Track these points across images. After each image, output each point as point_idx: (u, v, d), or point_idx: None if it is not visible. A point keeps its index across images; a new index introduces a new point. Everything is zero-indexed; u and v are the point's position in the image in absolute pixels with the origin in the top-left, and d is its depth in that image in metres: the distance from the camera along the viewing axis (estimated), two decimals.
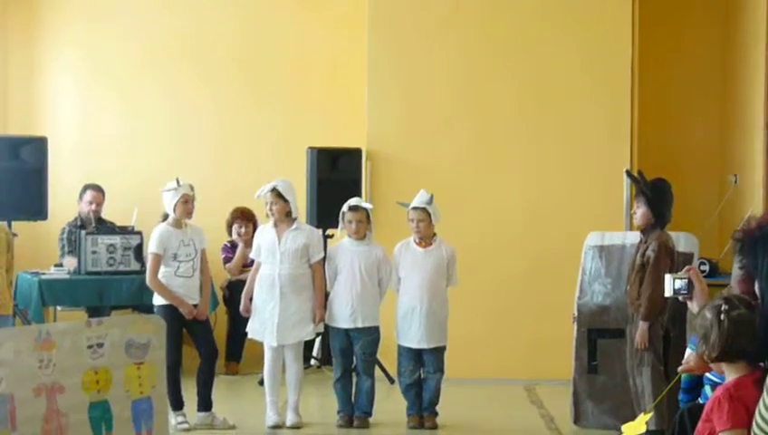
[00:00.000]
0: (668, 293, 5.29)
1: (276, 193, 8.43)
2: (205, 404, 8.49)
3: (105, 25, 11.68)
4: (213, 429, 8.39)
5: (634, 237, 8.35)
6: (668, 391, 6.62)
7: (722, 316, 4.63)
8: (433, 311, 8.51)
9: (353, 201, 8.64)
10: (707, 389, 6.37)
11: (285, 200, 8.44)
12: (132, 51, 11.67)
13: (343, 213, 8.55)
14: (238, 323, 9.47)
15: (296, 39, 11.66)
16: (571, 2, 10.57)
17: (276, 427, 8.43)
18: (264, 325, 8.49)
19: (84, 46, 11.73)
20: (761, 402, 4.34)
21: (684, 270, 5.31)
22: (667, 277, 5.30)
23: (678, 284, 5.25)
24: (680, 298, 5.29)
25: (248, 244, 10.02)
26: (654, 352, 7.78)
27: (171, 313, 8.21)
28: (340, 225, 8.63)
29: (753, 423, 4.38)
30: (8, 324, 8.33)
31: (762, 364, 4.65)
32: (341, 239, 8.83)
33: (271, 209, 8.46)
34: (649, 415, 3.83)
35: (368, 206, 8.69)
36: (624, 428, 4.97)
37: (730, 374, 4.72)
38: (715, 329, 4.65)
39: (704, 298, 5.20)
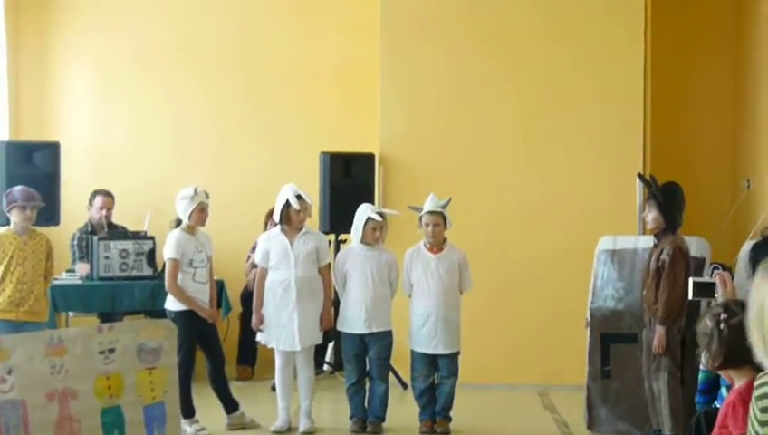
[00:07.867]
0: (691, 296, 5.31)
1: (303, 199, 8.48)
2: (232, 405, 8.56)
3: (114, 34, 11.71)
4: (244, 429, 8.50)
5: (646, 242, 8.32)
6: (683, 394, 6.58)
7: (721, 325, 4.60)
8: (448, 317, 8.51)
9: (377, 209, 8.68)
10: (723, 390, 6.33)
11: None
12: (141, 59, 11.69)
13: (369, 218, 8.53)
14: (251, 328, 9.45)
15: (307, 45, 11.66)
16: (582, 5, 10.55)
17: (279, 432, 8.43)
18: (278, 331, 8.47)
19: (94, 54, 11.74)
20: (751, 413, 4.20)
21: (711, 275, 5.34)
22: (691, 281, 5.32)
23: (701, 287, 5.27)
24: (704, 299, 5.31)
25: None
26: (671, 356, 7.72)
27: (189, 320, 8.20)
28: (359, 230, 8.57)
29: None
30: None
31: None
32: (350, 245, 8.84)
33: (300, 215, 8.46)
34: None
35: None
36: None
37: (739, 380, 4.66)
38: (715, 337, 4.62)
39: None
